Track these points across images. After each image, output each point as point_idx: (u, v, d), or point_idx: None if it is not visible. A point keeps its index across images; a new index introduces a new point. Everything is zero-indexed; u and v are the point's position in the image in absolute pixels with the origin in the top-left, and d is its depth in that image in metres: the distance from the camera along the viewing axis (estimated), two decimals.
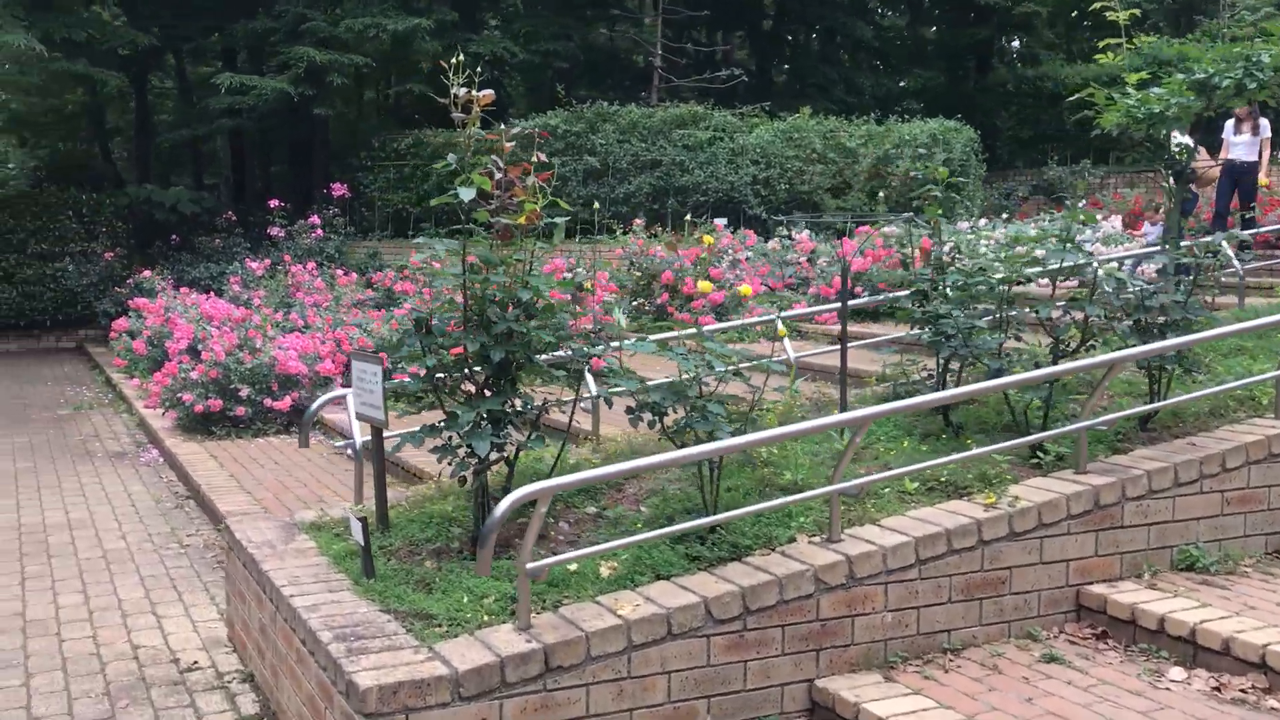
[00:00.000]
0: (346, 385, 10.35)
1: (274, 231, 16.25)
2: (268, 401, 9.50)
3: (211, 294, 13.50)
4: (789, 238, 13.81)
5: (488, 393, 4.45)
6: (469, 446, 4.27)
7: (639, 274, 12.58)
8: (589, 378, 5.69)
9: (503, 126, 4.52)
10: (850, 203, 16.31)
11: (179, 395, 9.44)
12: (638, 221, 13.75)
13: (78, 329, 18.93)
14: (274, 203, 16.38)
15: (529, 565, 3.60)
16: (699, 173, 16.39)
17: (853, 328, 11.32)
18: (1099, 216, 15.27)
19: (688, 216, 14.82)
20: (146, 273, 13.04)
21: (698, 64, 23.89)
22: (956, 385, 5.40)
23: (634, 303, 12.67)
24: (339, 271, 13.54)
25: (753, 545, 4.13)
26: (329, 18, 18.09)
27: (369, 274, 15.60)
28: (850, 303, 6.46)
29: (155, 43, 19.47)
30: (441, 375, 4.51)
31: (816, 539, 4.18)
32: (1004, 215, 16.40)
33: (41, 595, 5.84)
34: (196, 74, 25.69)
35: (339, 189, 17.05)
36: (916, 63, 29.38)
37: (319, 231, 16.38)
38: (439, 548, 4.48)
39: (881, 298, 7.91)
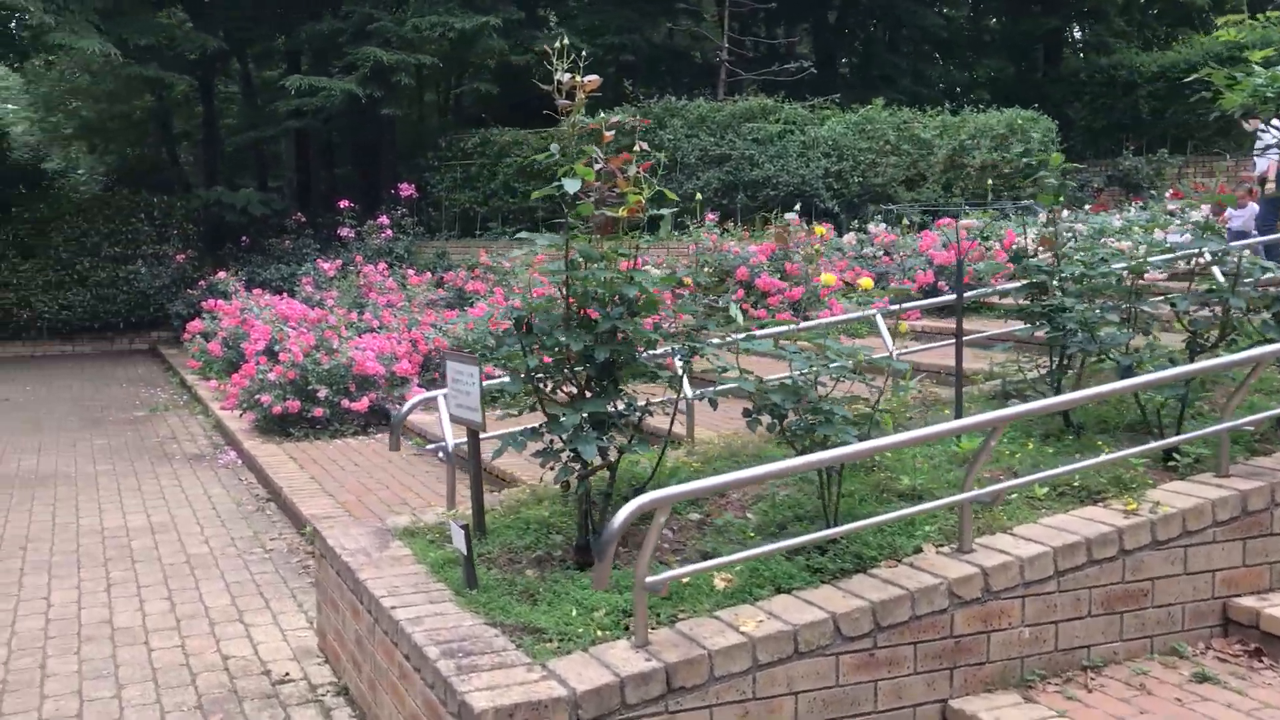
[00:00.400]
0: (425, 386, 10.25)
1: (343, 232, 16.23)
2: (345, 402, 9.40)
3: (284, 295, 13.48)
4: (864, 231, 13.48)
5: (589, 394, 4.24)
6: (573, 451, 4.06)
7: (710, 270, 12.33)
8: (685, 379, 5.47)
9: (601, 115, 4.28)
10: (924, 195, 15.94)
11: (256, 397, 9.37)
12: (710, 216, 13.50)
13: (150, 331, 19.10)
14: (343, 203, 16.37)
15: (648, 580, 3.38)
16: (769, 166, 16.11)
17: (939, 323, 11.00)
18: (1174, 206, 14.76)
19: (777, 214, 14.55)
20: (221, 274, 13.06)
21: (761, 58, 23.59)
22: (1077, 384, 5.10)
23: (705, 300, 12.42)
24: (410, 272, 13.46)
25: (877, 556, 3.88)
26: (395, 18, 18.06)
27: (438, 274, 15.53)
28: (957, 297, 6.16)
29: (222, 46, 19.62)
30: (541, 376, 4.30)
31: (945, 549, 3.91)
32: (1085, 207, 15.91)
33: (128, 602, 5.75)
34: (262, 77, 25.90)
35: (406, 189, 17.00)
36: (984, 53, 28.82)
37: (388, 232, 16.34)
38: (540, 555, 4.29)
39: (988, 289, 7.59)
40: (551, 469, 4.22)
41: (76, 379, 15.29)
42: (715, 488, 3.68)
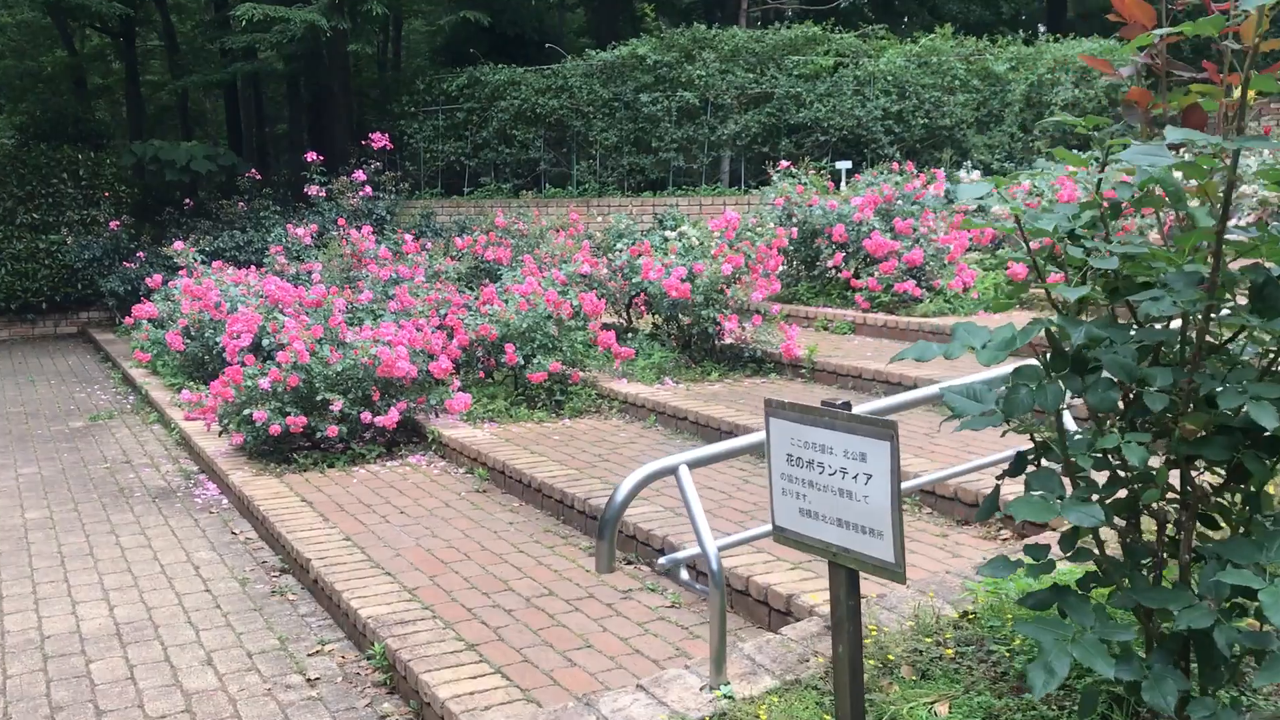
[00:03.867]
0: (468, 389, 7.78)
1: (311, 191, 13.59)
2: (367, 416, 6.93)
3: (253, 269, 10.86)
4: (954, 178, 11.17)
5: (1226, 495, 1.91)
6: None
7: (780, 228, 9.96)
8: None
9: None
10: (997, 139, 13.70)
11: (246, 411, 6.85)
12: (784, 164, 11.09)
13: (79, 311, 16.28)
14: (311, 156, 13.68)
15: None
16: (819, 107, 13.74)
17: None
18: None
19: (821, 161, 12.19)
20: (178, 244, 10.41)
21: None
22: None
23: (787, 268, 10.10)
24: (407, 237, 10.91)
25: None
26: None
27: (426, 237, 13.00)
28: None
29: None
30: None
31: None
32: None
33: None
34: (183, 30, 23.03)
35: (380, 140, 14.34)
36: None
37: (367, 189, 13.72)
38: None
39: None
40: None
41: None
42: None
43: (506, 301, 7.80)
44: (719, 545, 2.82)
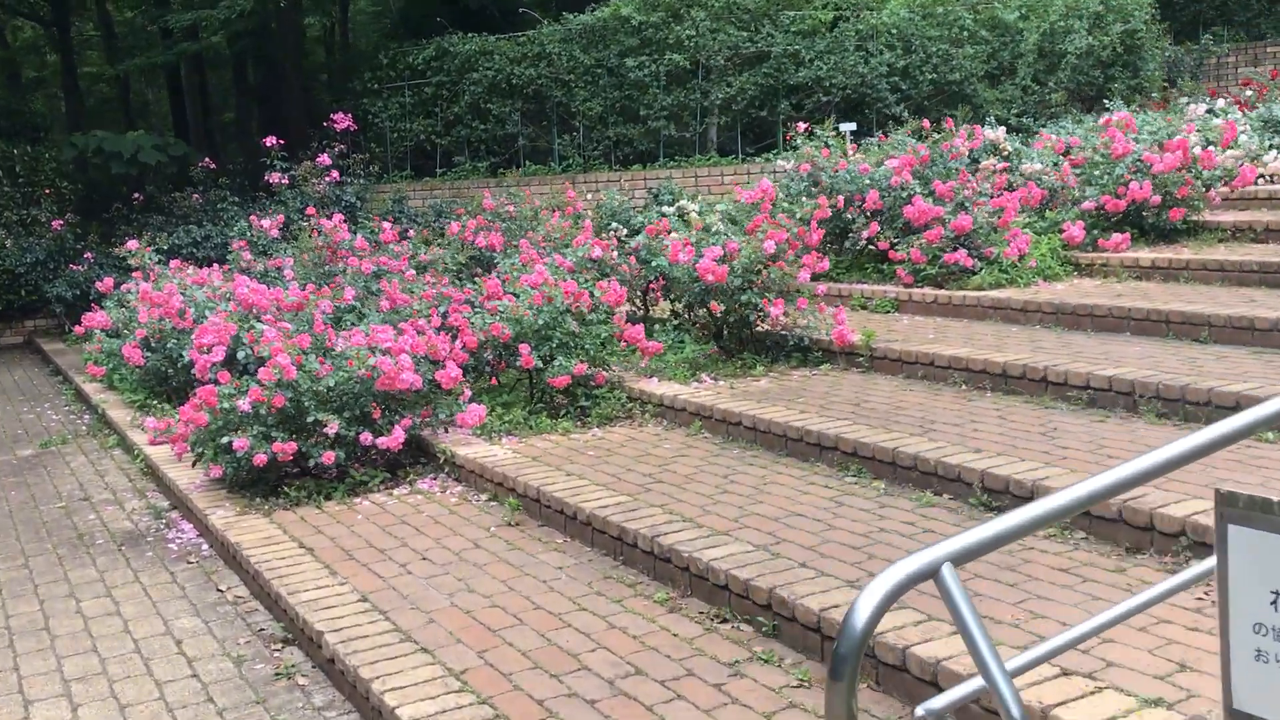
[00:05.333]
0: (480, 399, 6.73)
1: (273, 179, 12.44)
2: (367, 437, 5.92)
3: (216, 267, 9.77)
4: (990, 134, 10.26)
5: None
6: None
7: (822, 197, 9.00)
8: None
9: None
10: (1009, 93, 12.80)
11: (225, 439, 5.81)
12: (801, 126, 10.11)
13: (23, 320, 15.00)
14: (270, 141, 12.52)
15: None
16: (819, 65, 12.77)
17: (1159, 252, 7.94)
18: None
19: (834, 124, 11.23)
20: (132, 244, 9.26)
21: None
22: None
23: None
24: (385, 224, 9.84)
25: None
26: None
27: (401, 224, 11.93)
28: None
29: None
30: None
31: None
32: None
33: None
34: (121, 18, 21.72)
35: (342, 120, 13.20)
36: None
37: (334, 174, 12.61)
38: None
39: None
40: None
41: None
42: None
43: (517, 295, 6.79)
44: (1013, 665, 1.85)
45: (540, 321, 6.60)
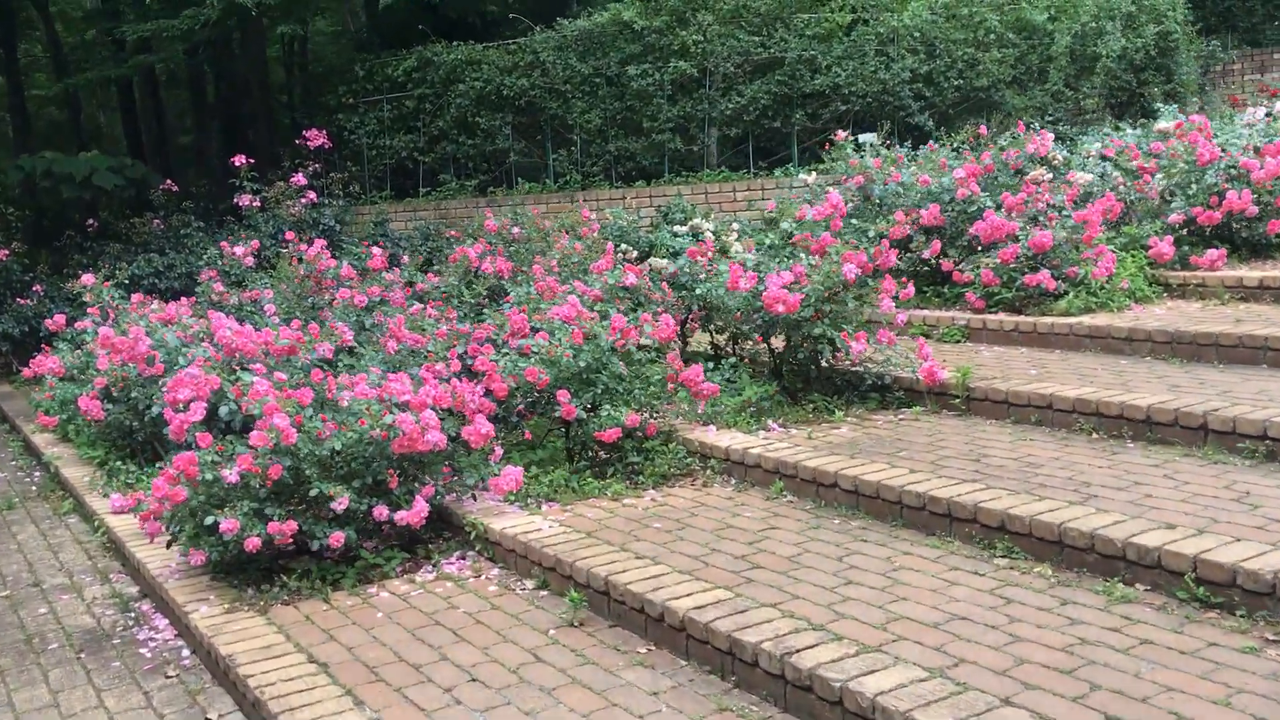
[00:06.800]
0: (513, 458, 5.60)
1: (243, 201, 11.32)
2: (382, 510, 4.84)
3: (183, 301, 8.64)
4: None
5: None
6: None
7: (874, 215, 8.07)
8: None
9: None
10: (1039, 100, 11.94)
11: (210, 519, 4.70)
12: (841, 134, 9.16)
13: None
14: (239, 160, 11.38)
15: None
16: (837, 71, 11.83)
17: (1266, 270, 7.03)
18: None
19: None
20: (87, 278, 8.08)
21: None
22: None
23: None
24: (375, 250, 8.77)
25: None
26: None
27: (387, 249, 10.84)
28: None
29: None
30: None
31: None
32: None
33: None
34: (69, 38, 20.49)
35: (316, 137, 12.12)
36: None
37: (310, 195, 11.51)
38: None
39: None
40: None
41: None
42: None
43: (552, 332, 5.73)
44: None
45: (581, 363, 5.55)
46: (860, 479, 4.78)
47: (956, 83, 11.80)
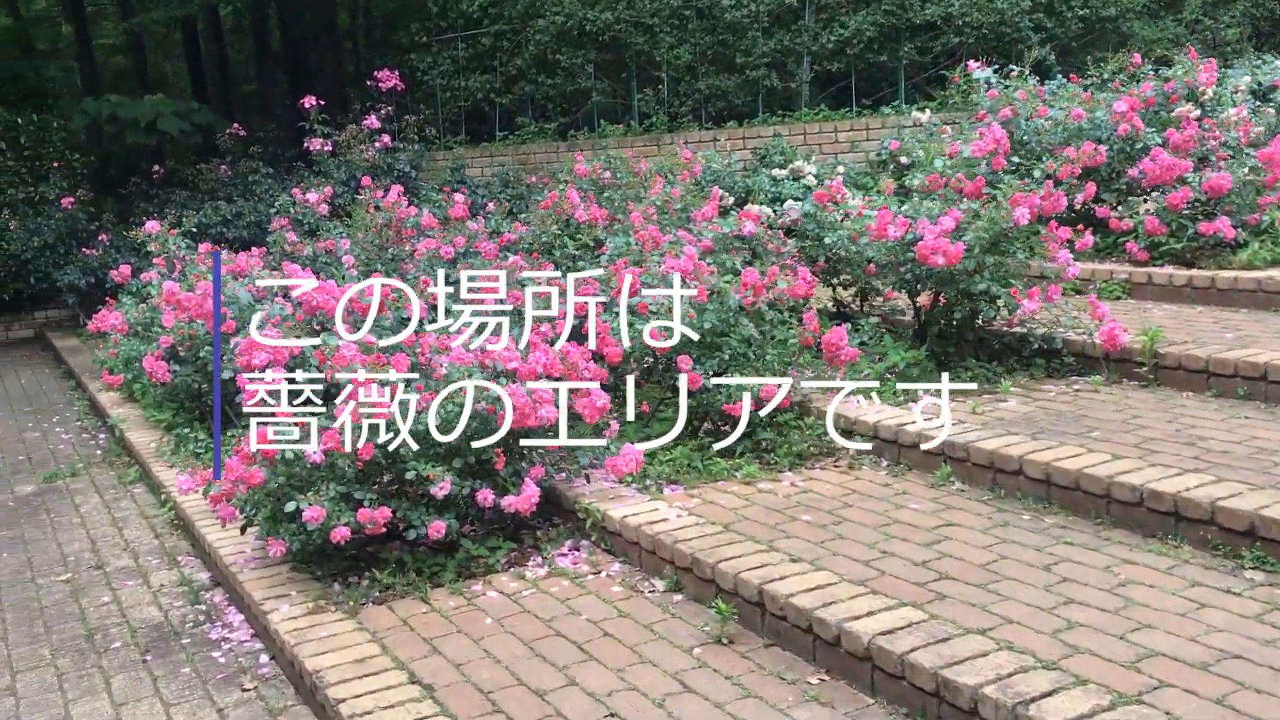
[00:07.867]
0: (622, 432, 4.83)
1: (314, 145, 10.70)
2: (486, 495, 4.17)
3: (254, 251, 8.04)
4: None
5: None
6: None
7: (1020, 155, 7.18)
8: None
9: None
10: (1172, 31, 10.88)
11: (291, 505, 4.07)
12: (972, 64, 8.28)
13: (34, 311, 13.37)
14: (308, 102, 10.73)
15: None
16: (950, 0, 10.86)
17: None
18: None
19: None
20: (152, 225, 7.47)
21: None
22: None
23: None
24: (457, 197, 8.08)
25: None
26: None
27: (469, 196, 10.15)
28: None
29: None
30: None
31: None
32: None
33: None
34: None
35: (389, 79, 11.39)
36: None
37: (385, 139, 10.84)
38: None
39: None
40: None
41: None
42: None
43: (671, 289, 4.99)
44: None
45: (706, 325, 4.82)
46: (1053, 466, 4.01)
47: (1081, 12, 10.78)
